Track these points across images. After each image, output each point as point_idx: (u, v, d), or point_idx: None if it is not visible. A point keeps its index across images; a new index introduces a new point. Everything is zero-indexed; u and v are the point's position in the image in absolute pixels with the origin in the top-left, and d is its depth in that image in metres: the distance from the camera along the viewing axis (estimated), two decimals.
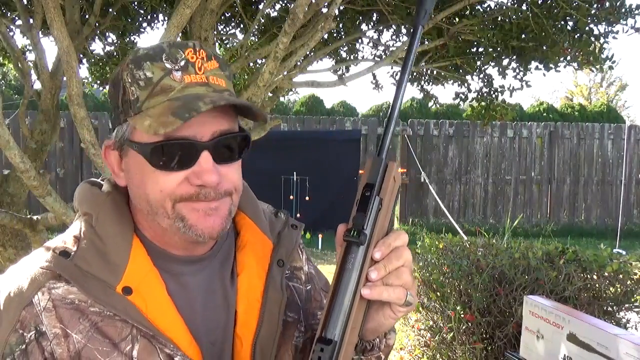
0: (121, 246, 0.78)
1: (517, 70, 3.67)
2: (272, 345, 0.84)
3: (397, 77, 0.79)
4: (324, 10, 3.10)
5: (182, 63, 0.77)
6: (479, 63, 3.89)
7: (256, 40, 4.23)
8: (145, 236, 0.82)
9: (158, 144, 0.75)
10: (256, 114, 0.81)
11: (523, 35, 3.36)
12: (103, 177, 0.89)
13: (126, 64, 0.78)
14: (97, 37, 4.07)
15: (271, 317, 0.84)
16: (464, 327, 2.93)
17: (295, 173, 8.04)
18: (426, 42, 3.65)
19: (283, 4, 4.01)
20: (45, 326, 0.73)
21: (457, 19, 3.62)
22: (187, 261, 0.84)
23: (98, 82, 4.46)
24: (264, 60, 3.66)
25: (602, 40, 3.25)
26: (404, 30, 3.95)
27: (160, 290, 0.79)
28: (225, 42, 4.65)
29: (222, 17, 4.00)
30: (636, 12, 3.10)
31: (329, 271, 6.67)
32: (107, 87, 0.83)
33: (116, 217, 0.81)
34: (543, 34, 3.20)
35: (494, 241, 3.37)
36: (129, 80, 0.77)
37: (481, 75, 4.01)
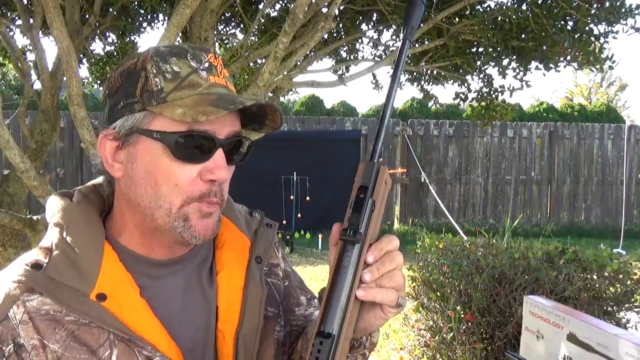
0: (93, 254, 0.79)
1: (517, 70, 3.67)
2: (255, 339, 0.86)
3: (387, 86, 0.81)
4: (324, 10, 3.10)
5: (207, 65, 0.81)
6: (479, 63, 3.89)
7: (256, 40, 4.23)
8: (117, 242, 0.84)
9: (184, 133, 0.77)
10: (269, 122, 0.85)
11: (523, 35, 3.35)
12: (75, 188, 0.89)
13: (149, 56, 0.79)
14: (97, 37, 4.07)
15: (252, 312, 0.86)
16: (464, 327, 2.93)
17: (295, 173, 8.04)
18: (426, 42, 3.65)
19: (283, 4, 4.01)
20: (22, 338, 0.74)
21: (457, 19, 3.62)
22: (164, 264, 0.85)
23: (98, 82, 4.46)
24: (264, 60, 3.66)
25: (602, 40, 3.24)
26: None
27: (134, 294, 0.80)
28: (225, 42, 4.65)
29: (222, 17, 4.00)
30: (636, 12, 3.09)
31: (328, 271, 6.70)
32: (110, 79, 0.84)
33: (86, 226, 0.81)
34: (543, 34, 3.20)
35: (494, 241, 3.37)
36: (154, 72, 0.78)
37: (481, 75, 4.01)
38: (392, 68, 4.25)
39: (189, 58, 0.80)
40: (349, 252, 0.73)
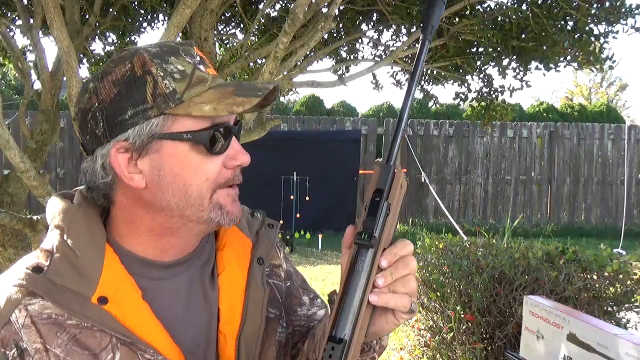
0: (94, 257, 0.78)
1: (517, 70, 3.67)
2: (256, 341, 0.86)
3: (406, 86, 0.81)
4: (324, 10, 3.10)
5: (198, 58, 0.81)
6: (479, 63, 3.89)
7: (256, 40, 4.23)
8: (119, 244, 0.82)
9: (213, 128, 0.78)
10: (260, 101, 0.83)
11: (523, 35, 3.35)
12: (75, 188, 0.87)
13: (147, 60, 0.76)
14: (97, 37, 4.07)
15: (254, 314, 0.86)
16: (464, 327, 2.93)
17: (295, 173, 8.04)
18: None
19: (283, 4, 4.01)
20: (25, 343, 0.73)
21: (457, 19, 3.62)
22: (168, 266, 0.84)
23: None
24: (264, 60, 3.66)
25: (602, 40, 3.24)
26: (404, 30, 3.95)
27: (136, 297, 0.79)
28: (225, 42, 4.65)
29: (222, 17, 4.00)
30: (636, 12, 3.09)
31: (328, 271, 6.67)
32: (99, 90, 0.78)
33: (87, 229, 0.80)
34: (543, 34, 3.20)
35: (494, 241, 3.37)
36: (161, 74, 0.76)
37: (481, 75, 4.01)
38: (391, 66, 4.23)
39: (183, 55, 0.79)
40: (363, 257, 0.72)
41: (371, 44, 4.34)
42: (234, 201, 0.83)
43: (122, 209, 0.83)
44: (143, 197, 0.80)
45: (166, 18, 4.01)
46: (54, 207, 0.83)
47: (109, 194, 0.83)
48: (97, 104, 0.78)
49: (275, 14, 4.03)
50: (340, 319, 0.71)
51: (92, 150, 0.81)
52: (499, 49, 3.46)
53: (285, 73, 3.38)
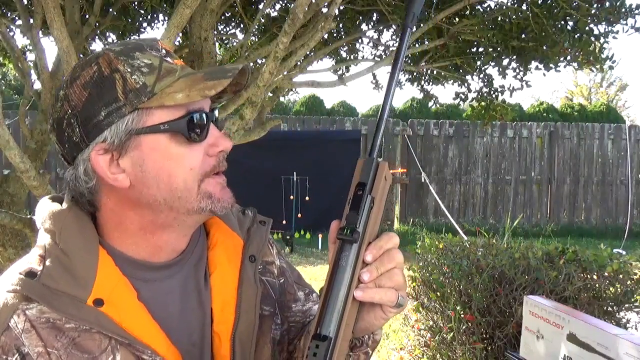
0: (87, 259, 0.77)
1: (517, 70, 3.67)
2: (251, 340, 0.85)
3: (387, 78, 0.80)
4: (324, 10, 3.10)
5: (164, 52, 0.80)
6: (479, 63, 3.89)
7: (256, 40, 4.23)
8: (112, 246, 0.82)
9: (189, 115, 0.77)
10: (231, 87, 0.83)
11: (523, 35, 3.36)
12: (63, 192, 0.86)
13: (113, 58, 0.77)
14: (97, 37, 4.07)
15: (247, 312, 0.85)
16: (464, 327, 2.93)
17: (295, 173, 8.04)
18: (426, 42, 3.66)
19: (283, 4, 4.01)
20: (27, 347, 0.72)
21: (457, 19, 3.62)
22: (161, 267, 0.84)
23: None
24: (264, 60, 3.66)
25: (602, 40, 3.25)
26: None
27: (131, 298, 0.79)
28: (225, 42, 4.66)
29: (222, 17, 4.00)
30: (636, 12, 3.10)
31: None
32: (69, 96, 0.78)
33: (79, 231, 0.79)
34: (543, 34, 3.20)
35: (494, 241, 3.37)
36: (129, 70, 0.76)
37: (481, 75, 4.01)
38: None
39: (148, 49, 0.79)
40: (347, 252, 0.71)
41: (371, 44, 4.35)
42: (223, 188, 0.82)
43: (109, 212, 0.82)
44: (129, 196, 0.80)
45: (166, 18, 4.01)
46: (44, 211, 0.82)
47: (94, 200, 0.82)
48: (70, 111, 0.78)
49: (275, 14, 4.03)
50: (325, 316, 0.70)
51: (72, 158, 0.80)
52: (499, 49, 3.47)
53: (285, 73, 3.38)
